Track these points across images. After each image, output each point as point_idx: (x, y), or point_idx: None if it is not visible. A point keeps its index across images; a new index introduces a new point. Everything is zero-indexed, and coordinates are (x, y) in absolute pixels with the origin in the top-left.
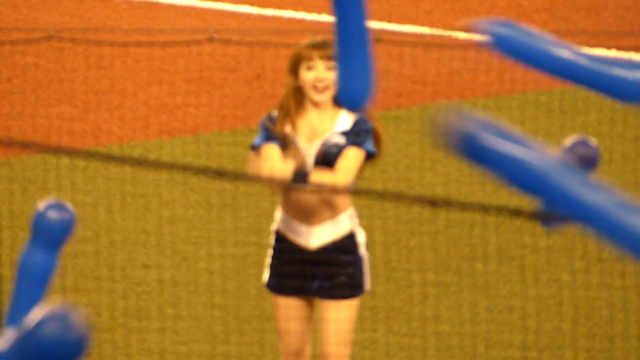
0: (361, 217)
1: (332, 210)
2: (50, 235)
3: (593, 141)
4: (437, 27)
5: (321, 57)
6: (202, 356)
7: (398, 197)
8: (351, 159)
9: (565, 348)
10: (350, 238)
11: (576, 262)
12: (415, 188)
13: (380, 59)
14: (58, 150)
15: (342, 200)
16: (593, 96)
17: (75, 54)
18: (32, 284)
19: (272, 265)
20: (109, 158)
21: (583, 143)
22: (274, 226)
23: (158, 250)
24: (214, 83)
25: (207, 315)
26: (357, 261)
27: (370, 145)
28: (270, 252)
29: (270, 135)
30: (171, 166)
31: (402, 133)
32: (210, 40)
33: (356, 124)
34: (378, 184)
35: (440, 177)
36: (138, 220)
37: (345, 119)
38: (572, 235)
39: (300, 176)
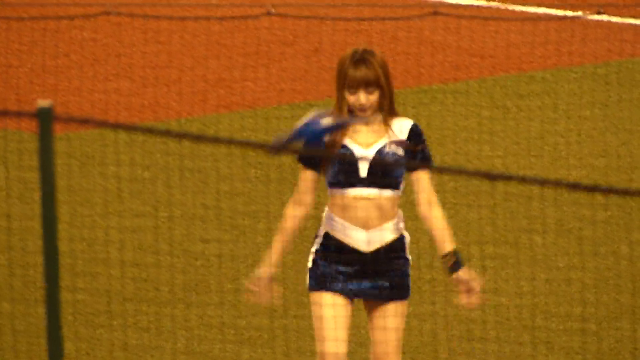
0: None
1: (386, 215)
2: None
3: None
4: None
5: (360, 85)
6: (261, 330)
7: (456, 171)
8: (430, 186)
9: (624, 320)
10: (399, 241)
11: (634, 234)
12: (473, 161)
13: (437, 32)
14: (116, 126)
15: (394, 206)
16: None
17: (133, 28)
18: None
19: (319, 265)
20: (167, 133)
21: None
22: (321, 230)
23: (217, 225)
24: (272, 57)
25: None
26: (405, 263)
27: (429, 152)
28: (315, 253)
29: (308, 156)
30: (229, 141)
31: (459, 106)
32: (268, 14)
33: (412, 132)
34: (436, 158)
35: (498, 150)
36: (196, 194)
37: (399, 128)
38: (630, 207)
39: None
